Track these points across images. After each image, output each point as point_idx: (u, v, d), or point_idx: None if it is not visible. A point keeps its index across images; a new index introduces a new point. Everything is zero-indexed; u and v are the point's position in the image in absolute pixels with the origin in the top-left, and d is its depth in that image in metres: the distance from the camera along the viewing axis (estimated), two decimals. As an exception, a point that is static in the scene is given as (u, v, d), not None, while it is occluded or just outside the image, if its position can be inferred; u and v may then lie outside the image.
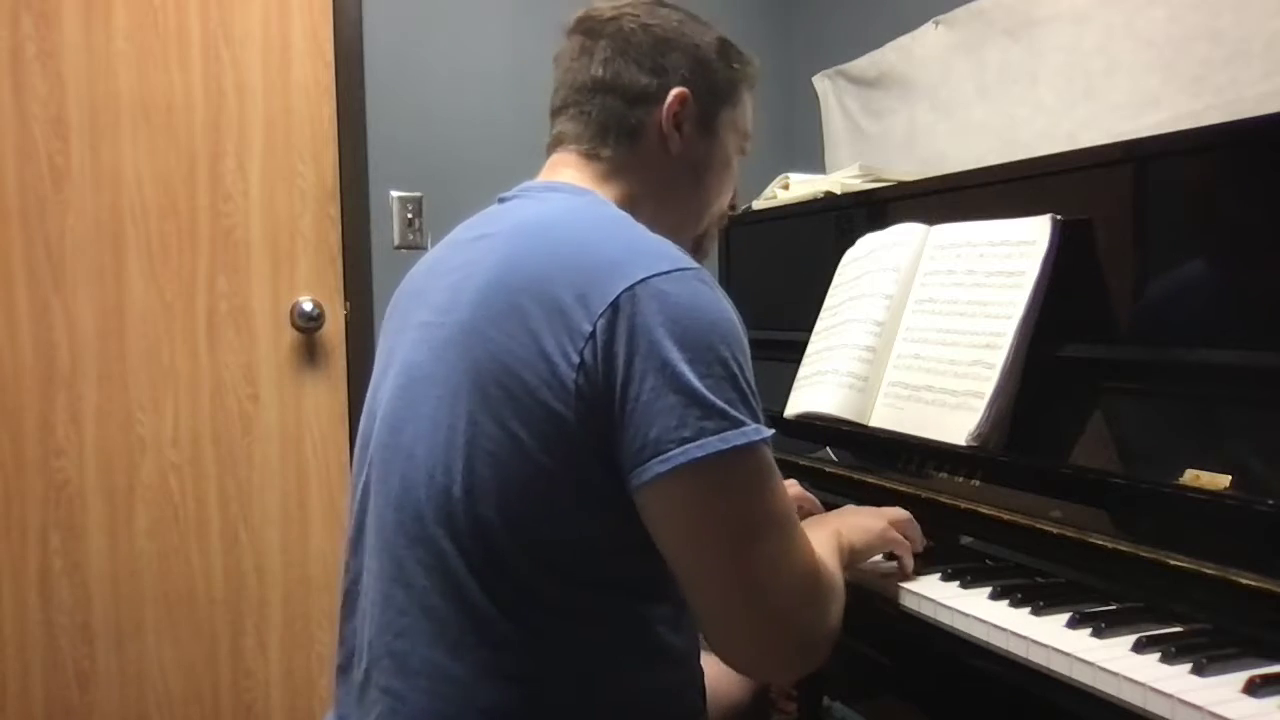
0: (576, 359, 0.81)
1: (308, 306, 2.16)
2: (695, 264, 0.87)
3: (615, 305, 0.81)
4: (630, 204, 1.00)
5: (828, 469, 1.47)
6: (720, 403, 0.81)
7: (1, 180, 1.96)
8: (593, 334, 0.81)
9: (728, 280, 2.11)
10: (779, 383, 1.59)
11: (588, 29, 1.04)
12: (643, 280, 0.82)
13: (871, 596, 1.10)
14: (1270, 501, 0.89)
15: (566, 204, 0.97)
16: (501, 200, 1.02)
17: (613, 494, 0.84)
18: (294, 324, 2.16)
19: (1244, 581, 0.88)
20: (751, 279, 2.05)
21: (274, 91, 2.14)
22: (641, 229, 0.91)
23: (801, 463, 1.52)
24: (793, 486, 1.39)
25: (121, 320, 2.05)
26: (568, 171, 1.02)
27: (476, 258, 0.92)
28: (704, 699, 1.05)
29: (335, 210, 2.20)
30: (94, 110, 2.01)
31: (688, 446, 0.80)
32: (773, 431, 0.86)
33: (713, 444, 0.80)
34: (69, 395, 2.01)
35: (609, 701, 0.89)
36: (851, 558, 1.04)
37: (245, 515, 2.15)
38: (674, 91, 1.01)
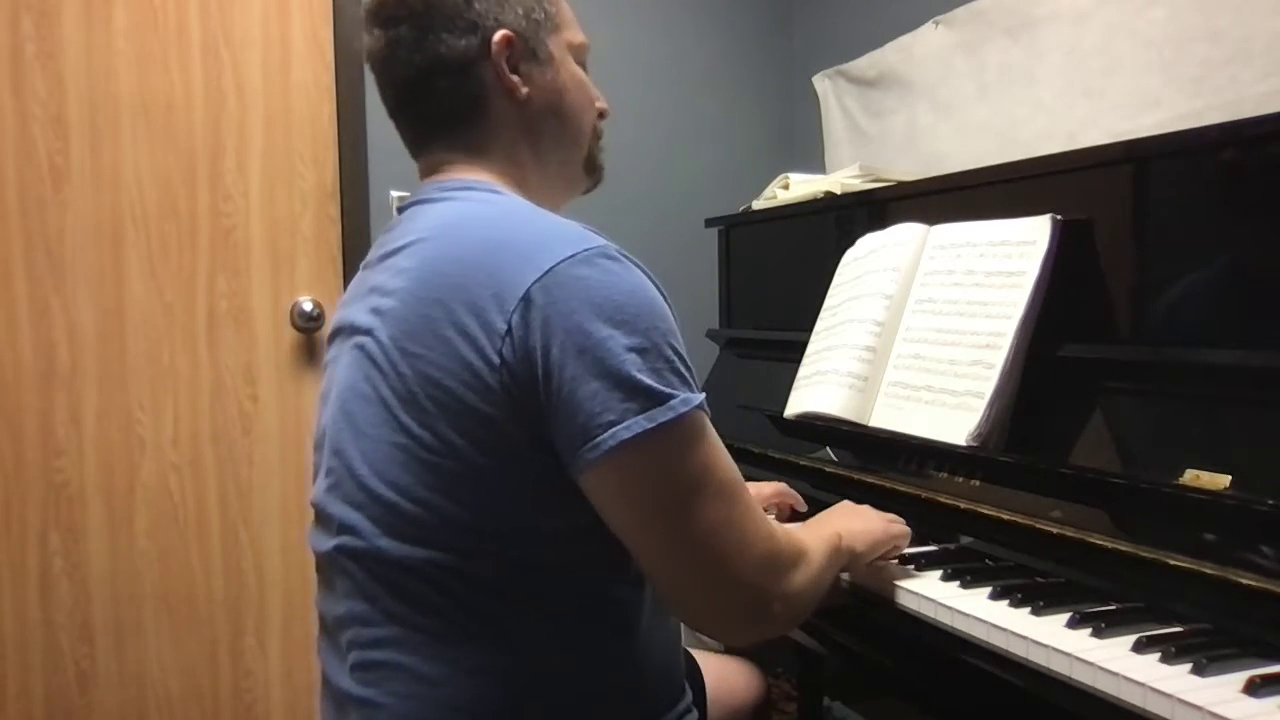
0: (496, 359, 0.82)
1: (308, 306, 2.16)
2: (601, 241, 0.86)
3: (526, 299, 0.81)
4: (512, 168, 1.00)
5: (828, 469, 1.47)
6: (643, 379, 0.81)
7: (1, 180, 1.95)
8: (508, 331, 0.81)
9: (728, 280, 2.11)
10: (779, 383, 1.59)
11: (385, 18, 0.99)
12: (550, 269, 0.82)
13: (872, 597, 1.10)
14: (1270, 501, 0.89)
15: (463, 203, 0.96)
16: (399, 210, 1.02)
17: (561, 481, 0.84)
18: (294, 324, 2.16)
19: (1244, 581, 0.88)
20: (752, 279, 2.05)
21: (274, 92, 2.14)
22: (543, 215, 0.91)
23: (801, 463, 1.52)
24: (774, 484, 1.39)
25: (121, 320, 2.05)
26: (445, 168, 1.01)
27: (389, 275, 0.92)
28: (699, 690, 1.05)
29: (335, 210, 2.20)
30: (94, 110, 2.01)
31: (615, 429, 0.80)
32: (703, 396, 0.85)
33: (639, 424, 0.80)
34: (69, 395, 2.01)
35: (579, 690, 0.89)
36: (852, 561, 1.04)
37: (245, 515, 2.15)
38: (495, 37, 0.97)
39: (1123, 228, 1.19)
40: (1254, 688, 0.77)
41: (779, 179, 1.98)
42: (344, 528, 0.91)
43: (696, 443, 0.84)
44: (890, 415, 1.34)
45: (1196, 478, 0.96)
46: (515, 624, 0.87)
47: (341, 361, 0.96)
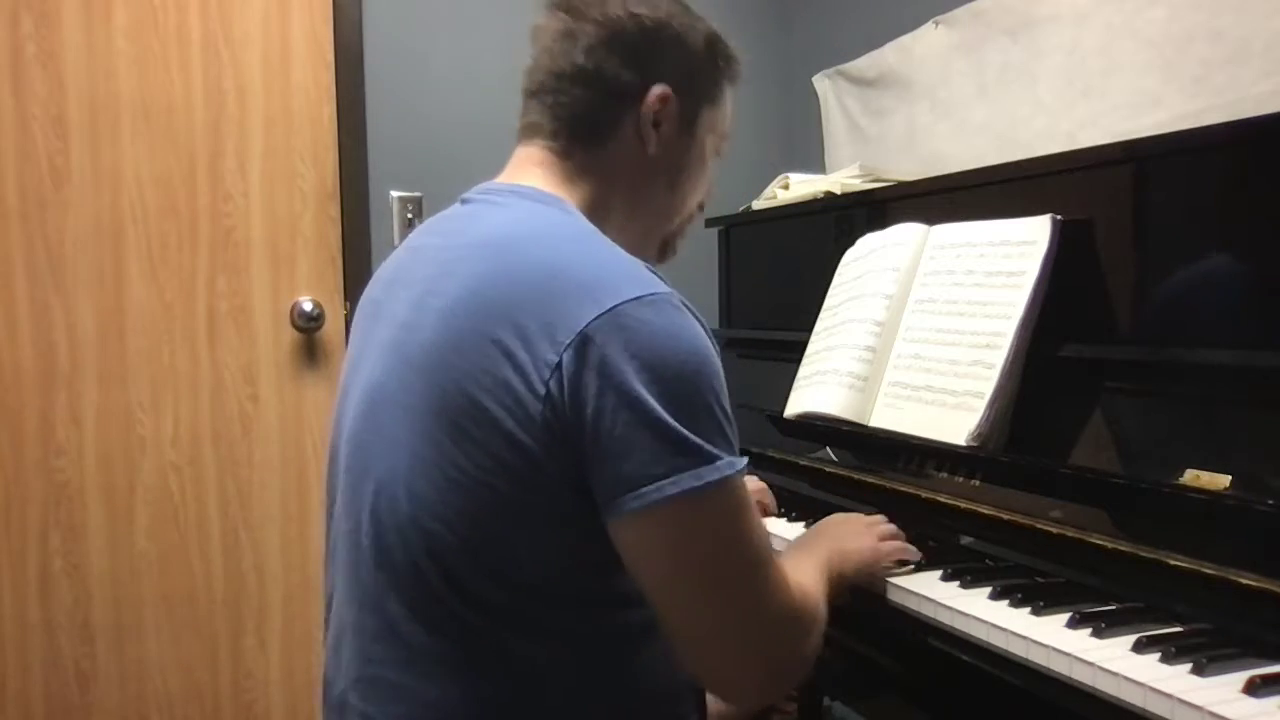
0: (542, 390, 0.79)
1: (308, 306, 2.16)
2: (666, 288, 0.83)
3: (583, 336, 0.79)
4: (598, 206, 0.97)
5: (828, 469, 1.47)
6: (694, 438, 0.79)
7: (1, 180, 1.96)
8: (559, 365, 0.79)
9: (728, 280, 2.11)
10: (779, 383, 1.59)
11: (572, 7, 0.97)
12: (612, 309, 0.79)
13: (872, 598, 1.10)
14: (1270, 501, 0.89)
15: (532, 216, 0.92)
16: (464, 201, 0.99)
17: (582, 517, 0.82)
18: (294, 324, 2.16)
19: (1244, 581, 0.88)
20: (752, 279, 2.05)
21: (274, 92, 2.14)
22: (610, 247, 0.88)
23: (801, 463, 1.52)
24: (752, 481, 1.39)
25: (121, 320, 2.05)
26: (534, 171, 0.97)
27: (440, 272, 0.89)
28: (701, 710, 1.04)
29: (335, 210, 2.20)
30: (94, 110, 2.01)
31: (661, 483, 0.78)
32: (746, 461, 0.84)
33: (686, 480, 0.78)
34: (69, 395, 2.01)
35: (579, 717, 0.88)
36: (840, 583, 1.03)
37: (245, 515, 2.15)
38: (656, 89, 0.96)
39: (1123, 228, 1.19)
40: (1254, 688, 0.77)
41: (779, 179, 1.98)
42: (358, 526, 0.90)
43: (736, 507, 0.83)
44: (890, 415, 1.34)
45: (1196, 478, 0.96)
46: (517, 649, 0.85)
47: (371, 351, 0.93)
